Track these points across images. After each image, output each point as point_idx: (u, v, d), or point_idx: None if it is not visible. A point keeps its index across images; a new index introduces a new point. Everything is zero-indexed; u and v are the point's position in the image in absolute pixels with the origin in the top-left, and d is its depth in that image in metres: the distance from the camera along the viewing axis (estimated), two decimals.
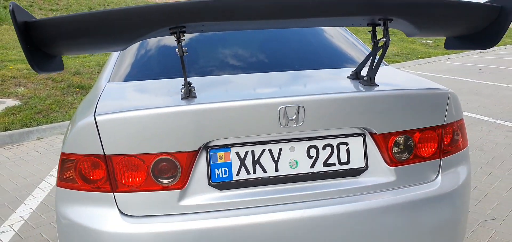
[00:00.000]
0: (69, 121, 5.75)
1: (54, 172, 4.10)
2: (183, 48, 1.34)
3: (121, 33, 1.29)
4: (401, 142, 1.52)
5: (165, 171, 1.37)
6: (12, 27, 12.01)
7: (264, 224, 1.37)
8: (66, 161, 1.39)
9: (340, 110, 1.42)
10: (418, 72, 11.82)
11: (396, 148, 1.51)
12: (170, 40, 2.04)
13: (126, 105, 1.39)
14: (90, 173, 1.37)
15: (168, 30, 1.30)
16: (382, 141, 1.50)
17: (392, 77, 1.72)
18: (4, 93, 6.75)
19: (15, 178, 3.95)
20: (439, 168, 1.58)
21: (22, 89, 6.95)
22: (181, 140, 1.34)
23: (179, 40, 1.32)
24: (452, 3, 1.39)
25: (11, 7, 1.18)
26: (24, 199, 3.45)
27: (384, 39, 1.45)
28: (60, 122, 5.80)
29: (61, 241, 1.45)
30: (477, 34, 1.56)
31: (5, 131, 5.30)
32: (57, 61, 1.42)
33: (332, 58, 1.97)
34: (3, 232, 2.89)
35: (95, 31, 1.27)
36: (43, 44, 1.30)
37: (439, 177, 1.58)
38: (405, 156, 1.53)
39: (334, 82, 1.59)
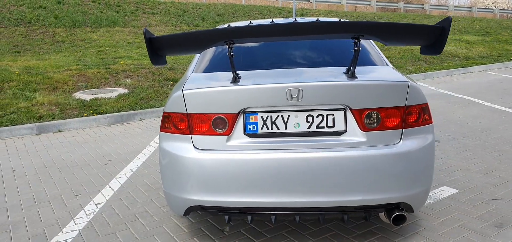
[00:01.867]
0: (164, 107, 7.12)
1: (152, 144, 5.37)
2: (231, 53, 2.29)
3: (200, 44, 2.27)
4: (371, 115, 2.29)
5: (219, 124, 2.33)
6: (122, 29, 14.18)
7: (276, 159, 2.26)
8: (166, 116, 2.43)
9: (327, 93, 2.25)
10: (503, 75, 11.47)
11: (367, 119, 2.30)
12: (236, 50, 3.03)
13: (200, 85, 2.38)
14: (178, 123, 2.39)
15: (224, 42, 2.25)
16: (358, 114, 2.29)
17: (375, 74, 2.47)
18: (117, 83, 8.42)
19: (125, 146, 5.29)
20: (401, 136, 2.32)
21: (130, 80, 8.57)
22: (229, 106, 2.29)
23: (230, 48, 2.27)
24: (401, 26, 2.15)
25: (144, 30, 2.23)
26: (132, 159, 4.72)
27: (357, 48, 2.24)
28: (158, 107, 7.19)
29: (160, 163, 2.50)
30: (431, 44, 2.28)
31: (118, 112, 6.80)
32: (163, 59, 2.46)
33: (339, 60, 2.77)
34: (119, 177, 4.13)
35: (186, 43, 2.27)
36: (157, 49, 2.34)
37: (401, 141, 2.32)
38: (374, 125, 2.30)
39: (327, 75, 2.41)
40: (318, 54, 2.84)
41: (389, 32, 2.17)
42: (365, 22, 2.16)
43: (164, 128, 2.47)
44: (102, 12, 15.34)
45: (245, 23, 3.50)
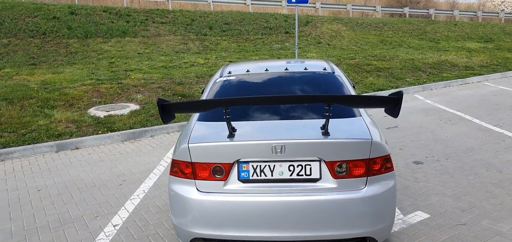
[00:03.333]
0: (174, 123, 7.68)
1: (163, 162, 5.92)
2: (228, 116, 2.82)
3: (203, 108, 2.80)
4: (341, 165, 2.81)
5: (218, 171, 2.86)
6: (132, 39, 14.76)
7: (264, 201, 2.78)
8: (174, 162, 2.97)
9: (305, 148, 2.76)
10: (499, 86, 11.86)
11: (338, 169, 2.81)
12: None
13: (203, 140, 2.90)
14: (184, 169, 2.92)
15: (222, 108, 2.79)
16: (330, 164, 2.80)
17: (346, 131, 2.96)
18: (128, 99, 9.00)
19: (138, 165, 5.85)
20: (366, 182, 2.83)
21: (141, 96, 9.15)
22: (225, 158, 2.82)
23: (225, 112, 2.80)
24: (363, 98, 2.66)
25: (157, 100, 2.77)
26: (144, 179, 5.28)
27: (328, 113, 2.76)
28: (167, 124, 7.74)
29: (170, 202, 3.04)
30: (391, 109, 2.78)
31: (130, 129, 7.37)
32: (172, 116, 2.98)
33: (319, 113, 3.28)
34: (133, 198, 4.69)
35: (190, 107, 2.80)
36: (168, 111, 2.86)
37: (366, 187, 2.83)
38: (344, 173, 2.81)
39: (305, 132, 2.91)
40: (302, 107, 3.36)
41: (353, 102, 2.69)
42: (335, 96, 2.67)
43: (172, 172, 3.00)
44: (113, 22, 15.96)
45: (242, 68, 4.02)
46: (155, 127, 7.52)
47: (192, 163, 2.90)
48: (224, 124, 3.11)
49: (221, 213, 2.82)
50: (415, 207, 4.21)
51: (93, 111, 8.12)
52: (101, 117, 7.77)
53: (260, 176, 2.85)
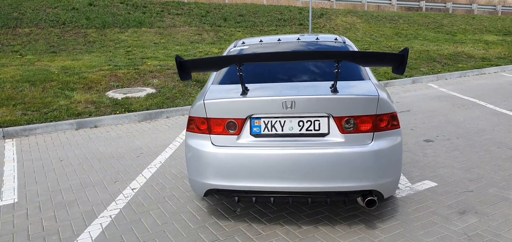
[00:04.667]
0: (189, 105, 7.90)
1: (179, 138, 6.12)
2: (241, 73, 2.97)
3: (217, 65, 2.96)
4: (349, 121, 2.94)
5: (231, 126, 3.02)
6: (148, 30, 15.07)
7: (274, 154, 2.93)
8: (191, 119, 3.14)
9: (314, 104, 2.90)
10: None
11: (346, 124, 2.94)
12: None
13: (217, 96, 3.07)
14: (200, 125, 3.09)
15: (234, 64, 2.94)
16: (338, 120, 2.94)
17: (354, 88, 3.09)
18: (145, 83, 9.25)
19: (155, 141, 6.06)
20: (373, 137, 2.96)
21: (157, 81, 9.39)
22: (238, 113, 2.98)
23: (239, 69, 2.96)
24: (371, 55, 2.78)
25: (176, 57, 2.94)
26: (160, 152, 5.48)
27: (337, 70, 2.88)
28: (182, 106, 7.96)
29: (186, 155, 3.21)
30: (397, 66, 2.90)
31: (147, 110, 7.60)
32: (189, 75, 3.15)
33: (329, 75, 3.41)
34: (150, 167, 4.89)
35: (206, 64, 2.97)
36: (185, 68, 3.03)
37: (372, 142, 2.95)
38: (351, 128, 2.94)
39: (315, 89, 3.05)
40: (312, 71, 3.49)
41: (361, 59, 2.81)
42: (344, 52, 2.80)
43: (189, 128, 3.18)
44: (129, 13, 16.29)
45: (255, 39, 4.18)
46: (171, 109, 7.73)
47: (207, 119, 3.06)
48: (238, 85, 3.27)
49: (233, 165, 2.98)
50: (423, 177, 4.30)
51: (111, 93, 8.38)
52: (119, 99, 8.02)
53: (271, 130, 3.00)
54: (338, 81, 3.29)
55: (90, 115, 7.26)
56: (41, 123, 6.80)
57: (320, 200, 3.06)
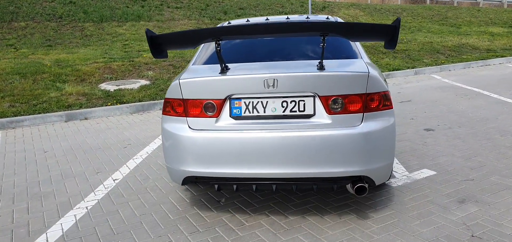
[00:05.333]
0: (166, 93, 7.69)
1: None
2: (219, 48, 2.74)
3: (192, 41, 2.72)
4: (336, 101, 2.70)
5: (209, 108, 2.79)
6: (147, 23, 14.85)
7: (256, 137, 2.69)
8: (167, 101, 2.92)
9: (298, 82, 2.67)
10: None
11: (332, 104, 2.70)
12: (225, 45, 3.49)
13: (194, 75, 2.84)
14: (176, 107, 2.87)
15: (212, 39, 2.71)
16: (324, 100, 2.70)
17: (343, 66, 2.86)
18: (139, 75, 9.04)
19: (144, 132, 5.85)
20: (362, 118, 2.71)
21: (152, 73, 9.17)
22: (217, 93, 2.75)
23: (217, 44, 2.72)
24: (359, 27, 2.54)
25: (146, 30, 2.71)
26: (149, 143, 5.27)
27: (323, 44, 2.64)
28: None
29: (162, 142, 2.99)
30: (388, 40, 2.65)
31: (139, 102, 7.39)
32: (165, 54, 2.92)
33: (316, 53, 3.17)
34: (136, 158, 4.67)
35: (180, 39, 2.73)
36: (158, 45, 2.80)
37: (362, 123, 2.71)
38: (338, 109, 2.70)
39: (299, 67, 2.82)
40: (298, 48, 3.25)
41: (352, 31, 2.57)
42: (330, 24, 2.56)
43: (165, 111, 2.95)
44: (128, 7, 16.09)
45: (242, 20, 3.94)
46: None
47: (183, 100, 2.84)
48: (217, 65, 3.04)
49: (212, 149, 2.75)
50: (422, 166, 4.06)
51: (104, 86, 8.18)
52: (111, 91, 7.82)
53: (253, 112, 2.77)
54: (326, 60, 3.05)
55: (80, 107, 7.06)
56: (29, 114, 6.61)
57: (305, 187, 2.83)
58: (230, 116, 2.79)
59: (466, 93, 7.84)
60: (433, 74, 10.61)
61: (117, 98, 7.46)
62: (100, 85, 8.24)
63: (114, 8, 15.80)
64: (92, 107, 7.10)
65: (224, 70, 2.82)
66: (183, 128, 2.85)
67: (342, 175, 2.71)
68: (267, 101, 2.75)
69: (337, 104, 2.70)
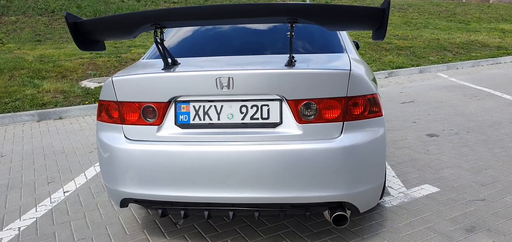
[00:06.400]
0: None
1: None
2: (161, 38, 2.17)
3: (127, 28, 2.14)
4: (308, 106, 2.11)
5: (149, 113, 2.22)
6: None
7: (208, 152, 2.12)
8: (100, 104, 2.35)
9: (260, 82, 2.08)
10: None
11: (304, 110, 2.11)
12: (178, 36, 2.92)
13: (132, 72, 2.27)
14: (111, 112, 2.30)
15: (151, 26, 2.13)
16: (294, 104, 2.11)
17: (318, 61, 2.27)
18: None
19: None
20: (342, 129, 2.13)
21: None
22: (158, 94, 2.18)
23: (156, 32, 2.15)
24: (339, 8, 1.95)
25: (65, 14, 2.14)
26: None
27: (289, 32, 2.06)
28: None
29: (98, 152, 2.43)
30: (376, 28, 2.05)
31: None
32: (98, 45, 2.35)
33: (286, 48, 2.58)
34: (97, 165, 4.12)
35: (111, 25, 2.15)
36: (81, 32, 2.21)
37: (342, 135, 2.12)
38: (311, 116, 2.11)
39: (261, 63, 2.24)
40: (271, 41, 2.67)
41: (326, 15, 1.98)
42: (299, 4, 1.97)
43: (99, 116, 2.39)
44: (123, 2, 15.57)
45: None
46: None
47: (119, 103, 2.27)
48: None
49: (152, 167, 2.18)
50: (422, 180, 3.45)
51: (85, 83, 7.65)
52: (91, 88, 7.28)
53: (204, 119, 2.19)
54: (299, 54, 2.47)
55: (55, 106, 6.54)
56: None
57: (271, 214, 2.26)
58: (175, 124, 2.22)
59: (475, 93, 7.19)
60: (439, 72, 9.94)
61: (96, 96, 6.92)
62: (81, 82, 7.72)
63: (109, 2, 15.28)
64: (68, 106, 6.58)
65: (169, 66, 2.24)
66: (118, 138, 2.28)
67: (317, 201, 2.13)
68: (222, 106, 2.18)
69: (310, 110, 2.11)
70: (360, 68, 2.23)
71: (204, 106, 2.19)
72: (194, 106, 2.19)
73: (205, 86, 2.12)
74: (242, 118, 2.16)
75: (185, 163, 2.14)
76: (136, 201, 2.33)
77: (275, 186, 2.11)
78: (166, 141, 2.20)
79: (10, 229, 2.89)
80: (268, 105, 2.14)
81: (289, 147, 2.09)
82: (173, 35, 2.98)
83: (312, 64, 2.18)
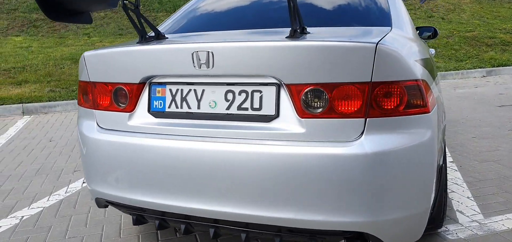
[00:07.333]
0: None
1: None
2: (136, 5, 1.73)
3: None
4: (314, 94, 1.49)
5: (121, 97, 1.80)
6: None
7: (183, 149, 1.63)
8: (79, 84, 1.99)
9: (249, 59, 1.53)
10: None
11: (308, 100, 1.50)
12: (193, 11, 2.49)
13: (107, 47, 1.87)
14: (88, 94, 1.93)
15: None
16: (295, 91, 1.51)
17: (334, 33, 1.65)
18: None
19: None
20: (364, 128, 1.47)
21: None
22: (130, 74, 1.74)
23: (124, 2, 1.71)
24: None
25: None
26: None
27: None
28: None
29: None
30: None
31: None
32: (67, 14, 1.94)
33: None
34: None
35: None
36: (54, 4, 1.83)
37: (363, 137, 1.47)
38: (319, 109, 1.49)
39: (255, 34, 1.68)
40: (278, 15, 2.10)
41: None
42: None
43: (79, 100, 2.03)
44: None
45: None
46: None
47: (91, 84, 1.88)
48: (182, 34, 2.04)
49: (121, 163, 1.76)
50: (509, 208, 2.57)
51: None
52: None
53: (181, 107, 1.70)
54: (321, 28, 1.86)
55: None
56: (63, 100, 6.31)
57: (263, 237, 1.69)
58: (148, 111, 1.76)
59: None
60: None
61: None
62: None
63: None
64: None
65: (146, 40, 1.80)
66: (90, 127, 1.90)
67: (325, 228, 1.51)
68: (203, 91, 1.66)
69: (317, 100, 1.50)
70: (398, 43, 1.55)
71: (182, 90, 1.70)
72: (170, 90, 1.72)
73: (180, 63, 1.63)
74: (227, 108, 1.63)
75: (156, 162, 1.68)
76: (109, 202, 1.93)
77: (267, 201, 1.54)
78: (137, 131, 1.76)
79: (14, 217, 2.71)
80: (260, 92, 1.57)
81: (286, 150, 1.50)
82: (189, 10, 2.55)
83: (324, 36, 1.56)
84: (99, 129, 1.87)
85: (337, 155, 1.45)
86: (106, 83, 1.82)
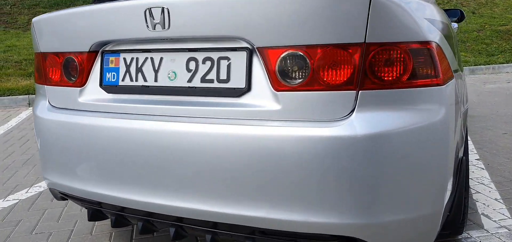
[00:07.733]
0: None
1: None
2: None
3: None
4: (293, 60, 1.17)
5: (72, 69, 1.52)
6: None
7: (136, 130, 1.34)
8: (35, 57, 1.74)
9: (212, 15, 1.22)
10: None
11: (285, 68, 1.18)
12: None
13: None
14: (40, 68, 1.67)
15: None
16: (268, 56, 1.19)
17: None
18: None
19: None
20: (355, 103, 1.13)
21: None
22: (80, 40, 1.46)
23: None
24: None
25: None
26: None
27: None
28: None
29: None
30: None
31: None
32: None
33: None
34: None
35: None
36: None
37: (353, 114, 1.13)
38: (299, 79, 1.17)
39: None
40: None
41: None
42: None
43: (35, 77, 1.78)
44: None
45: None
46: None
47: (42, 56, 1.62)
48: None
49: (70, 147, 1.49)
50: None
51: None
52: None
53: (136, 80, 1.41)
54: None
55: None
56: None
57: (233, 240, 1.38)
58: (100, 86, 1.48)
59: None
60: None
61: None
62: None
63: None
64: None
65: (96, 1, 1.52)
66: (42, 106, 1.64)
67: (308, 230, 1.19)
68: (161, 59, 1.37)
69: (295, 67, 1.17)
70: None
71: (137, 59, 1.40)
72: (124, 58, 1.43)
73: (133, 25, 1.34)
74: (189, 80, 1.32)
75: (109, 146, 1.40)
76: (62, 194, 1.66)
77: (236, 196, 1.23)
78: (87, 109, 1.48)
79: None
80: (228, 59, 1.26)
81: (257, 131, 1.19)
82: None
83: None
84: (50, 107, 1.60)
85: (320, 138, 1.13)
86: (56, 54, 1.55)
